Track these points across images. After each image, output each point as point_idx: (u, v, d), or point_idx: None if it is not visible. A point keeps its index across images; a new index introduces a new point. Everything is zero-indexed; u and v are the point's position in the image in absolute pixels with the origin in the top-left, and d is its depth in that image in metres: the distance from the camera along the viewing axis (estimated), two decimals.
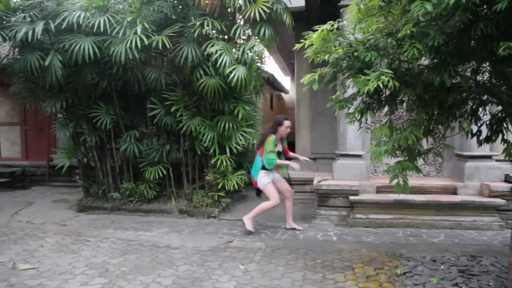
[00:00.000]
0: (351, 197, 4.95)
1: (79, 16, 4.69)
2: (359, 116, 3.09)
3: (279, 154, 4.55)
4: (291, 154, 4.88)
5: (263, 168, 4.52)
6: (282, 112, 13.75)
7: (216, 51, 4.84)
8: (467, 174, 5.04)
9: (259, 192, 4.69)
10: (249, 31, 5.57)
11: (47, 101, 5.60)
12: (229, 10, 5.29)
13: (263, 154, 4.48)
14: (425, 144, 3.14)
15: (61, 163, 5.98)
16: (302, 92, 6.10)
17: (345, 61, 2.91)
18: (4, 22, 4.95)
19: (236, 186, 5.46)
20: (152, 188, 5.75)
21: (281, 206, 5.42)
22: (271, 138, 4.45)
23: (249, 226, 4.49)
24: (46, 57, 4.86)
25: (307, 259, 3.69)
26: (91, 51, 4.71)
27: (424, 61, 2.81)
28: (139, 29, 4.68)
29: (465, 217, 4.76)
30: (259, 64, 5.59)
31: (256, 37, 5.45)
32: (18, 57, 5.23)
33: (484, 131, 3.16)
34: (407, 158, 2.91)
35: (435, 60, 2.65)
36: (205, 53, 4.94)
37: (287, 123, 4.58)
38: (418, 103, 2.86)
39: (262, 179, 4.52)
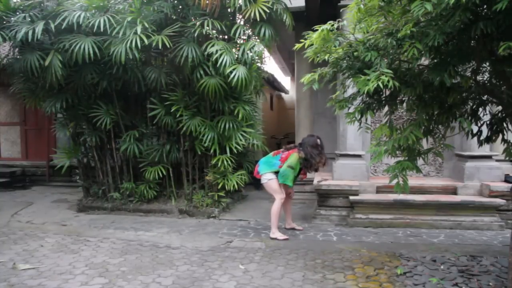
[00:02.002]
0: (351, 197, 4.95)
1: (79, 16, 4.69)
2: (359, 116, 3.09)
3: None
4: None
5: (276, 173, 4.47)
6: (282, 112, 13.80)
7: (216, 51, 4.84)
8: (467, 174, 5.04)
9: (258, 186, 4.64)
10: (249, 31, 5.56)
11: (47, 101, 5.60)
12: (229, 10, 5.29)
13: (283, 165, 4.42)
14: (425, 144, 3.14)
15: (61, 163, 5.99)
16: (302, 92, 6.10)
17: (345, 61, 2.91)
18: (4, 22, 4.95)
19: (236, 186, 5.46)
20: (152, 188, 5.75)
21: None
22: (297, 155, 4.41)
23: (280, 236, 4.38)
24: (46, 57, 4.86)
25: (307, 259, 3.69)
26: (91, 51, 4.71)
27: (424, 61, 2.81)
28: (139, 29, 4.68)
29: (465, 217, 4.76)
30: (259, 64, 5.59)
31: (256, 37, 5.45)
32: (18, 57, 5.23)
33: (484, 131, 3.16)
34: (407, 158, 2.91)
35: (435, 60, 2.65)
36: (205, 53, 4.95)
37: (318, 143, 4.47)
38: (418, 103, 2.86)
39: (268, 175, 4.47)
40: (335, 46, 2.89)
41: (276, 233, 4.40)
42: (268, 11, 4.95)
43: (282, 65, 12.06)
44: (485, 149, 4.94)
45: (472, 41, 2.47)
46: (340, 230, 4.74)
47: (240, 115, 5.32)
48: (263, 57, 5.58)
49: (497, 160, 5.12)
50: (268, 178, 4.47)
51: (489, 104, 3.03)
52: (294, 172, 4.42)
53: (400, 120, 5.30)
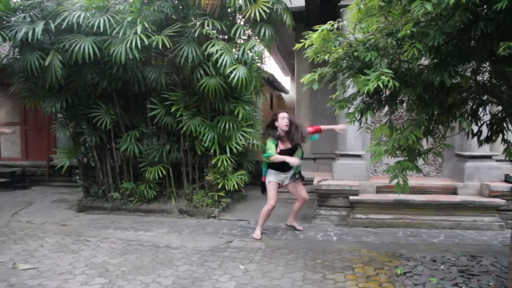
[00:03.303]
0: (351, 197, 4.95)
1: (79, 16, 4.69)
2: (359, 116, 3.09)
3: (292, 150, 4.39)
4: (323, 127, 4.71)
5: (273, 167, 4.43)
6: None
7: (217, 51, 4.84)
8: (467, 174, 5.04)
9: (263, 190, 4.64)
10: (249, 31, 5.57)
11: (47, 101, 5.60)
12: (229, 10, 5.29)
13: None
14: (425, 144, 3.14)
15: (61, 163, 5.98)
16: (302, 92, 6.11)
17: (345, 61, 2.92)
18: (4, 22, 4.95)
19: (236, 186, 5.46)
20: (152, 188, 5.75)
21: (282, 207, 5.43)
22: (268, 140, 4.41)
23: (257, 236, 4.41)
24: (46, 57, 4.86)
25: (307, 259, 3.69)
26: (91, 51, 4.71)
27: (424, 61, 2.81)
28: (139, 29, 4.68)
29: (465, 217, 4.76)
30: (259, 64, 5.59)
31: (256, 37, 5.45)
32: (18, 57, 5.22)
33: (484, 131, 3.16)
34: (407, 158, 2.91)
35: (435, 60, 2.65)
36: (206, 53, 4.95)
37: (281, 115, 4.43)
38: (418, 103, 2.86)
39: (269, 177, 4.47)
40: (335, 46, 2.89)
41: (256, 232, 4.45)
42: (268, 11, 4.95)
43: (282, 65, 12.07)
44: (485, 149, 4.94)
45: (472, 41, 2.47)
46: (340, 230, 4.74)
47: (240, 115, 5.32)
48: (263, 57, 5.58)
49: (497, 160, 5.12)
50: (268, 180, 4.48)
51: (489, 104, 3.03)
52: (270, 148, 4.33)
53: (400, 120, 5.31)
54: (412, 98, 2.93)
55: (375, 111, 3.11)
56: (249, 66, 5.07)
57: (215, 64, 4.93)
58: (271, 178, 4.45)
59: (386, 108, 3.15)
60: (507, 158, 3.11)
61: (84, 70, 5.19)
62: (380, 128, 2.91)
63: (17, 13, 4.99)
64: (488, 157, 5.09)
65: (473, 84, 2.78)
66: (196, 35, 4.95)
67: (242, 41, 5.51)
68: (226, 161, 5.32)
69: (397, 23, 2.55)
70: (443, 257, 3.64)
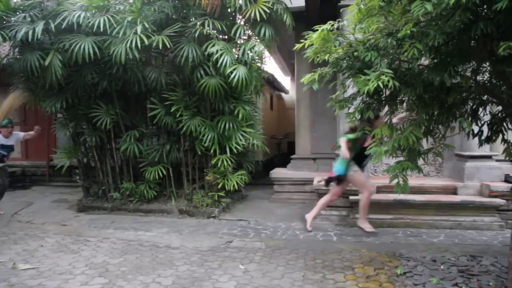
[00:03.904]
0: (351, 197, 4.95)
1: (79, 16, 4.70)
2: (359, 116, 3.09)
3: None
4: None
5: (357, 161, 4.40)
6: (282, 112, 13.80)
7: (217, 51, 4.84)
8: (467, 174, 5.04)
9: (329, 181, 4.57)
10: (250, 31, 5.57)
11: (47, 101, 5.60)
12: (229, 10, 5.30)
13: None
14: (425, 144, 3.14)
15: (61, 163, 5.99)
16: (302, 92, 6.11)
17: (345, 61, 2.92)
18: (4, 22, 4.96)
19: (236, 186, 5.47)
20: (152, 188, 5.75)
21: (282, 207, 5.43)
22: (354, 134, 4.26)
23: (368, 228, 4.41)
24: (46, 57, 4.86)
25: (307, 259, 3.69)
26: (91, 51, 4.71)
27: (424, 61, 2.81)
28: (139, 29, 4.68)
29: (465, 217, 4.76)
30: (259, 64, 5.60)
31: (257, 37, 5.45)
32: (18, 57, 5.23)
33: (485, 131, 3.17)
34: (407, 158, 2.91)
35: (435, 60, 2.65)
36: (206, 53, 4.95)
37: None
38: (418, 103, 2.86)
39: (353, 167, 4.42)
40: (335, 46, 2.90)
41: (364, 224, 4.43)
42: (268, 11, 4.96)
43: (282, 65, 12.06)
44: (485, 149, 4.94)
45: (472, 41, 2.47)
46: (340, 230, 4.74)
47: (240, 115, 5.32)
48: (263, 57, 5.60)
49: (497, 160, 5.12)
50: (353, 170, 4.42)
51: (489, 104, 3.03)
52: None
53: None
54: (412, 98, 2.92)
55: (375, 111, 3.10)
56: (249, 66, 5.07)
57: (215, 64, 4.93)
58: (356, 168, 4.41)
59: (386, 108, 3.15)
60: (507, 158, 3.11)
61: (84, 70, 5.19)
62: (380, 128, 2.91)
63: (17, 13, 5.00)
64: (488, 157, 5.09)
65: (473, 84, 2.78)
66: (196, 35, 4.95)
67: (242, 41, 5.52)
68: (226, 161, 5.32)
69: (397, 23, 2.56)
70: (443, 257, 3.64)
